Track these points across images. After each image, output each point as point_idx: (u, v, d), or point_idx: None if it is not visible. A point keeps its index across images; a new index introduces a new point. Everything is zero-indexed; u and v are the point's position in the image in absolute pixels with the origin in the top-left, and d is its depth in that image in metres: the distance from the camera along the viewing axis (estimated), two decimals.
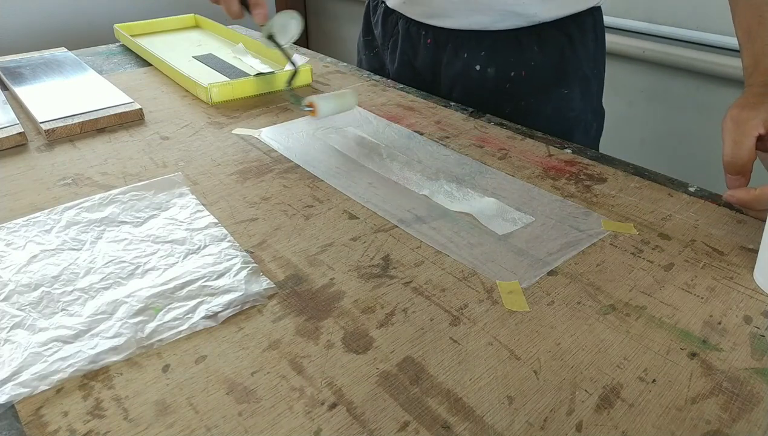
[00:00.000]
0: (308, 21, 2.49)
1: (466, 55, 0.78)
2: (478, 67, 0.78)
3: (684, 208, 0.52)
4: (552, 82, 0.78)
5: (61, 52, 0.96)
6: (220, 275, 0.43)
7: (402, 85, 0.83)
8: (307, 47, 1.13)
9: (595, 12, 0.79)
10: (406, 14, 0.82)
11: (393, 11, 0.85)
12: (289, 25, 0.67)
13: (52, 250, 0.46)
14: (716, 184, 0.63)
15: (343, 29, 2.30)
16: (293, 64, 0.67)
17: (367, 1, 0.93)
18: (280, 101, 0.77)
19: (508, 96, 0.78)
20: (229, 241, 0.47)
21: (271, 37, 0.66)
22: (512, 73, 0.77)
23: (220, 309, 0.40)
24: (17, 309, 0.40)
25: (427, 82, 0.84)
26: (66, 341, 0.37)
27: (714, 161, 1.42)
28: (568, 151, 0.63)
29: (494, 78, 0.78)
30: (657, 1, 1.33)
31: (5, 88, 0.82)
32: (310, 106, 0.62)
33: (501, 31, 0.76)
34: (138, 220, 0.50)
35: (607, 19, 0.99)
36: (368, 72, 0.89)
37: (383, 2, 0.87)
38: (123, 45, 1.05)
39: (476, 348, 0.37)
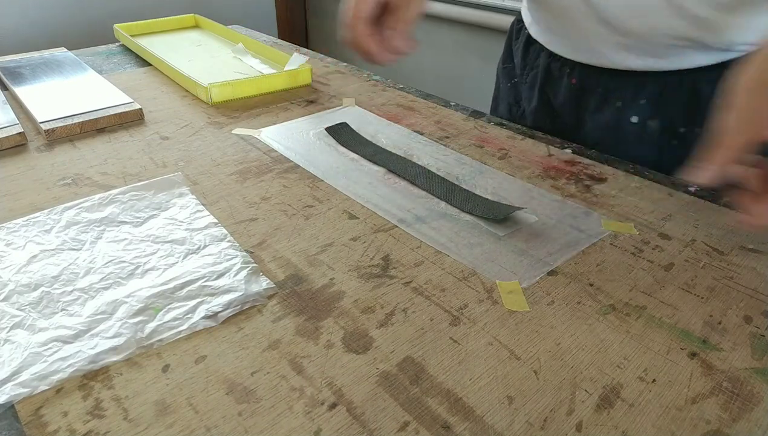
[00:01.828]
0: (308, 21, 2.49)
1: (619, 104, 0.62)
2: (634, 119, 0.62)
3: (684, 208, 0.52)
4: None
5: (61, 52, 0.96)
6: (220, 275, 0.43)
7: (402, 85, 0.83)
8: (307, 47, 1.13)
9: None
10: (548, 46, 0.69)
11: (536, 40, 0.71)
12: None
13: (52, 250, 0.46)
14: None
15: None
16: None
17: (512, 22, 0.79)
18: (280, 101, 0.77)
19: (674, 156, 0.59)
20: (229, 241, 0.47)
21: None
22: (682, 130, 0.60)
23: (220, 309, 0.40)
24: (17, 309, 0.40)
25: (568, 128, 0.69)
26: (66, 341, 0.37)
27: None
28: (568, 151, 0.63)
29: (656, 133, 0.62)
30: None
31: (5, 88, 0.82)
32: None
33: (673, 73, 0.58)
34: (138, 220, 0.50)
35: None
36: (368, 71, 0.89)
37: (526, 28, 0.73)
38: (123, 45, 1.05)
39: (476, 348, 0.37)
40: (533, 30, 0.71)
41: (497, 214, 0.50)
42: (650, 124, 0.62)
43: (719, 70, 0.57)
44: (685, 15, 0.54)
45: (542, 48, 0.70)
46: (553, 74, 0.69)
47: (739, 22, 0.53)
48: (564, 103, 0.69)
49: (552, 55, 0.68)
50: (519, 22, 0.77)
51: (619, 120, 0.63)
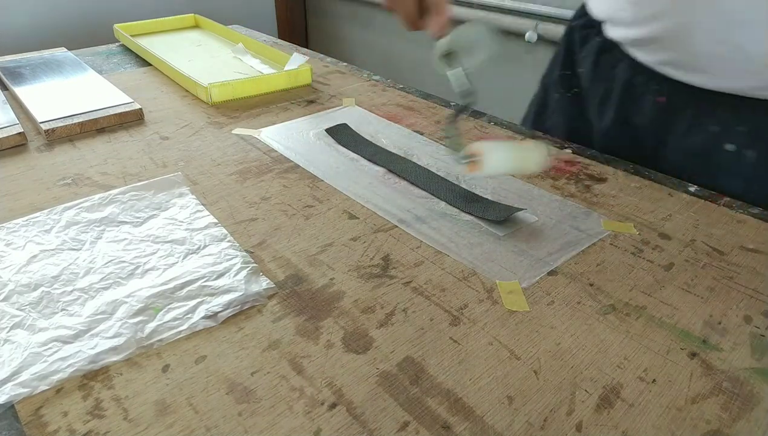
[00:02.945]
0: (308, 21, 2.49)
1: (716, 129, 0.55)
2: (730, 148, 0.55)
3: (684, 208, 0.52)
4: None
5: (61, 52, 0.96)
6: (220, 275, 0.43)
7: (402, 85, 0.83)
8: (307, 47, 1.13)
9: None
10: (635, 56, 0.60)
11: (611, 49, 0.63)
12: (479, 43, 0.48)
13: (52, 250, 0.46)
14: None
15: (343, 29, 2.30)
16: (472, 94, 0.47)
17: (570, 26, 0.71)
18: (280, 101, 0.77)
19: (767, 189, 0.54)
20: (229, 241, 0.47)
21: (449, 56, 0.48)
22: None
23: (220, 309, 0.40)
24: (17, 309, 0.40)
25: (647, 151, 0.61)
26: (66, 341, 0.37)
27: None
28: (568, 151, 0.63)
29: (753, 164, 0.54)
30: None
31: (5, 88, 0.82)
32: (474, 154, 0.45)
33: None
34: (138, 220, 0.50)
35: None
36: (368, 71, 0.89)
37: (600, 33, 0.65)
38: (123, 45, 1.05)
39: (476, 348, 0.37)
40: (616, 33, 0.62)
41: (498, 216, 0.50)
42: (748, 153, 0.55)
43: None
44: None
45: (623, 58, 0.61)
46: (637, 89, 0.61)
47: None
48: (647, 125, 0.60)
49: (637, 67, 0.60)
50: (586, 27, 0.67)
51: (712, 147, 0.56)
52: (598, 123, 0.65)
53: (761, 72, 0.50)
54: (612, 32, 0.62)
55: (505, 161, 0.45)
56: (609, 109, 0.64)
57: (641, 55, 0.59)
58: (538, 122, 0.75)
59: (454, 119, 0.46)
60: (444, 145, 0.44)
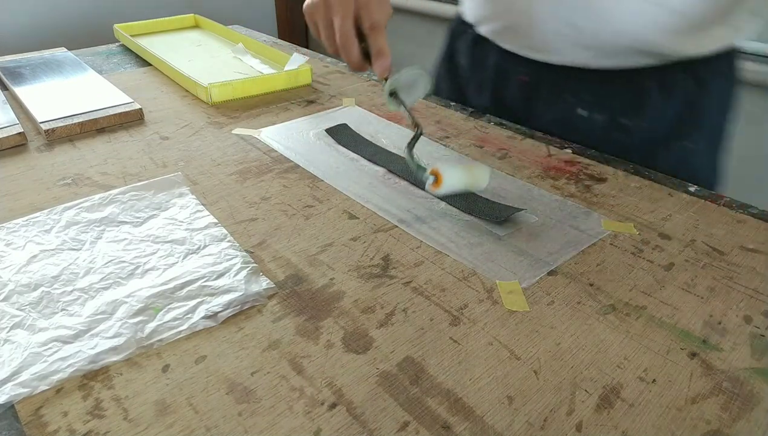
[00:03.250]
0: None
1: (569, 98, 0.67)
2: (582, 112, 0.66)
3: (684, 208, 0.52)
4: (673, 133, 0.65)
5: (61, 52, 0.96)
6: (220, 275, 0.43)
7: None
8: (307, 47, 1.13)
9: (735, 52, 0.65)
10: (501, 45, 0.71)
11: (484, 40, 0.74)
12: (417, 82, 0.56)
13: (52, 250, 0.46)
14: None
15: None
16: (418, 126, 0.53)
17: (452, 24, 0.82)
18: (280, 101, 0.77)
19: (618, 147, 0.64)
20: (229, 241, 0.47)
21: (393, 95, 0.55)
22: (624, 121, 0.65)
23: (220, 309, 0.40)
24: (17, 309, 0.40)
25: (520, 122, 0.72)
26: (66, 341, 0.37)
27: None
28: (568, 151, 0.63)
29: (602, 125, 0.66)
30: None
31: (5, 88, 0.82)
32: (434, 175, 0.50)
33: (614, 71, 0.63)
34: (138, 220, 0.50)
35: None
36: (368, 71, 0.89)
37: (472, 28, 0.76)
38: (123, 45, 1.05)
39: (476, 348, 0.37)
40: (484, 29, 0.73)
41: (498, 216, 0.50)
42: (596, 117, 0.66)
43: (662, 70, 0.63)
44: (653, 29, 0.59)
45: (492, 47, 0.72)
46: (505, 72, 0.72)
47: (694, 39, 0.60)
48: (515, 100, 0.72)
49: (503, 54, 0.71)
50: (462, 24, 0.79)
51: (568, 114, 0.68)
52: (478, 104, 0.77)
53: (595, 46, 0.62)
54: (480, 29, 0.74)
55: (458, 180, 0.51)
56: (486, 91, 0.75)
57: (505, 44, 0.70)
58: None
59: (411, 146, 0.53)
60: (413, 169, 0.52)
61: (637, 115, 0.65)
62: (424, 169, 0.51)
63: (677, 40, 0.60)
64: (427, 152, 0.62)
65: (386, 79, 0.55)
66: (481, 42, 0.74)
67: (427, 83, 0.56)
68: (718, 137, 0.67)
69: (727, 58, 0.65)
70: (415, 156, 0.52)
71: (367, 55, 0.56)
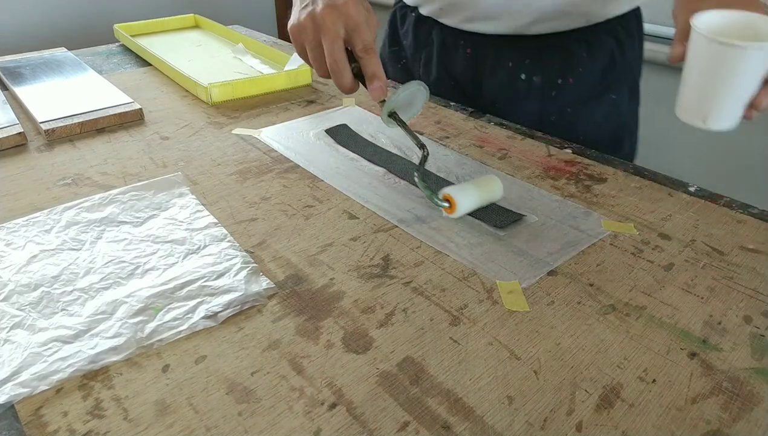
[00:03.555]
0: None
1: (510, 64, 0.73)
2: (523, 76, 0.73)
3: (684, 208, 0.52)
4: (602, 88, 0.74)
5: (61, 52, 0.96)
6: (220, 275, 0.43)
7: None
8: None
9: (638, 12, 0.76)
10: (443, 22, 0.77)
11: (426, 20, 0.79)
12: (415, 98, 0.55)
13: (52, 250, 0.46)
14: (716, 184, 0.63)
15: None
16: (423, 147, 0.52)
17: (393, 9, 0.88)
18: (280, 101, 0.77)
19: (555, 104, 0.74)
20: (229, 241, 0.47)
21: (393, 115, 0.54)
22: (559, 81, 0.73)
23: (220, 309, 0.40)
24: (17, 309, 0.40)
25: (467, 94, 0.79)
26: (66, 341, 0.37)
27: (714, 161, 1.43)
28: (568, 151, 0.63)
29: (540, 87, 0.73)
30: (660, 3, 1.33)
31: (5, 88, 0.82)
32: (447, 200, 0.49)
33: (547, 36, 0.71)
34: (138, 220, 0.50)
35: None
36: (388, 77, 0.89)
37: (414, 11, 0.81)
38: (123, 45, 1.05)
39: (476, 348, 0.37)
40: (426, 10, 0.78)
41: (498, 223, 0.49)
42: (535, 79, 0.73)
43: (585, 31, 0.71)
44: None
45: (435, 25, 0.78)
46: (449, 48, 0.78)
47: (613, 7, 0.70)
48: (462, 72, 0.78)
49: (446, 30, 0.76)
50: (403, 8, 0.84)
51: (511, 78, 0.74)
52: (428, 80, 0.81)
53: (528, 12, 0.69)
54: (423, 10, 0.79)
55: (472, 200, 0.50)
56: (432, 67, 0.80)
57: (447, 20, 0.76)
58: None
59: (421, 169, 0.52)
60: (425, 195, 0.50)
61: (570, 75, 0.73)
62: (436, 195, 0.49)
63: (598, 2, 0.69)
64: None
65: (382, 102, 0.54)
66: (423, 22, 0.80)
67: (424, 97, 0.55)
68: (635, 89, 0.78)
69: (636, 20, 0.75)
70: (426, 182, 0.50)
71: (356, 76, 0.54)
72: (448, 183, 0.56)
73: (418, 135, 0.53)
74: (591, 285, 0.43)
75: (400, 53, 0.86)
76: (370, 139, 0.65)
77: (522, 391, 0.34)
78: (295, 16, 0.55)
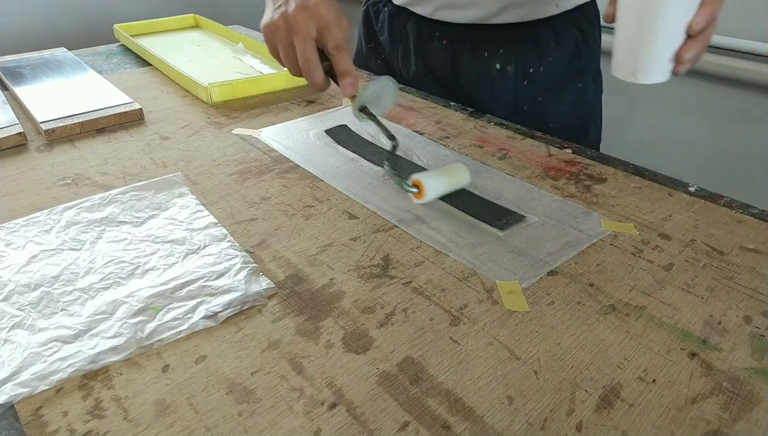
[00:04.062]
0: None
1: (486, 54, 0.76)
2: (498, 66, 0.76)
3: (684, 208, 0.52)
4: (568, 76, 0.77)
5: (61, 52, 0.96)
6: (220, 275, 0.43)
7: (402, 85, 0.83)
8: None
9: (595, 4, 0.80)
10: (417, 12, 0.78)
11: (400, 13, 0.81)
12: (384, 93, 0.57)
13: (52, 250, 0.46)
14: (716, 184, 0.64)
15: None
16: (393, 138, 0.55)
17: (365, 6, 0.89)
18: (280, 101, 0.77)
19: (527, 93, 0.77)
20: (229, 241, 0.47)
21: (364, 109, 0.56)
22: (531, 70, 0.76)
23: (219, 309, 0.40)
24: (17, 309, 0.40)
25: (445, 85, 0.81)
26: (66, 341, 0.37)
27: (713, 161, 1.43)
28: (568, 151, 0.63)
29: (513, 76, 0.76)
30: None
31: (5, 88, 0.82)
32: (416, 186, 0.51)
33: (519, 26, 0.74)
34: (138, 220, 0.50)
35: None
36: (368, 72, 0.89)
37: (387, 4, 0.83)
38: (123, 45, 1.05)
39: (476, 348, 0.37)
40: (399, 1, 0.80)
41: (498, 223, 0.49)
42: (508, 68, 0.75)
43: (553, 21, 0.74)
44: None
45: (410, 17, 0.79)
46: (425, 40, 0.79)
47: None
48: (440, 64, 0.79)
49: (421, 22, 0.78)
50: (375, 3, 0.85)
51: (487, 68, 0.76)
52: (406, 74, 0.83)
53: (496, 1, 0.71)
54: (396, 0, 0.80)
55: (440, 185, 0.52)
56: (410, 60, 0.81)
57: (421, 10, 0.77)
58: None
59: (392, 158, 0.54)
60: (394, 183, 0.53)
61: (540, 64, 0.75)
62: (406, 182, 0.52)
63: None
64: (427, 152, 0.62)
65: (353, 97, 0.56)
66: (398, 14, 0.81)
67: (393, 91, 0.57)
68: (599, 78, 0.81)
69: (595, 11, 0.79)
70: (395, 171, 0.52)
71: (327, 73, 0.57)
72: (419, 169, 0.58)
73: (387, 128, 0.56)
74: (591, 285, 0.43)
75: (377, 49, 0.88)
76: (370, 139, 0.65)
77: (522, 391, 0.34)
78: (268, 15, 0.57)
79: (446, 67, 0.79)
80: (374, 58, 0.89)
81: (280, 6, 0.55)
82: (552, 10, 0.74)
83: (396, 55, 0.85)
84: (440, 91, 0.80)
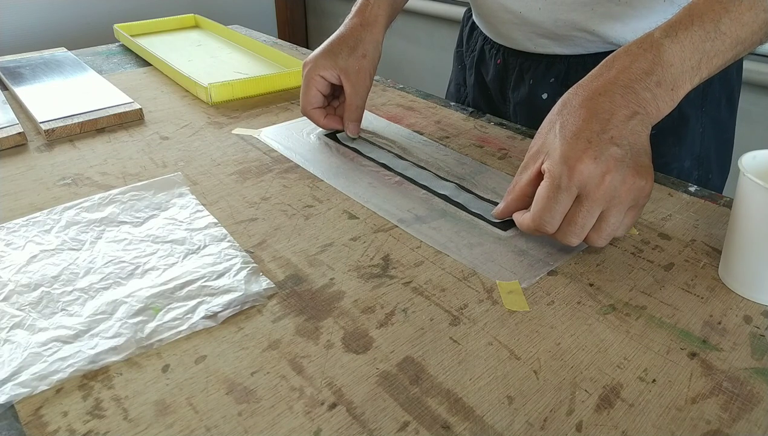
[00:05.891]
0: (308, 21, 2.49)
1: (531, 82, 0.72)
2: (544, 96, 0.71)
3: (684, 208, 0.52)
4: None
5: (61, 52, 0.96)
6: (220, 275, 0.43)
7: (402, 85, 0.83)
8: (307, 47, 1.13)
9: None
10: (483, 30, 0.78)
11: (476, 26, 0.81)
12: None
13: (52, 250, 0.46)
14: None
15: None
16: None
17: (465, 9, 0.89)
18: (280, 101, 0.77)
19: None
20: (228, 241, 0.47)
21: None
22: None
23: (219, 309, 0.40)
24: (17, 309, 0.40)
25: (496, 104, 0.80)
26: (66, 341, 0.37)
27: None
28: None
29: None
30: None
31: (5, 88, 0.82)
32: None
33: (574, 58, 0.68)
34: (138, 220, 0.50)
35: None
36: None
37: (470, 14, 0.84)
38: (123, 45, 1.05)
39: (476, 348, 0.37)
40: (475, 16, 0.81)
41: (501, 224, 0.49)
42: (558, 100, 0.67)
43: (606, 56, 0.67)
44: (583, 12, 0.64)
45: (480, 32, 0.79)
46: (485, 55, 0.79)
47: (619, 26, 0.64)
48: (492, 81, 0.78)
49: (485, 39, 0.78)
50: (469, 11, 0.86)
51: (532, 96, 0.72)
52: (471, 84, 0.83)
53: (544, 34, 0.67)
54: (474, 16, 0.81)
55: None
56: (473, 72, 0.82)
57: (484, 29, 0.77)
58: (447, 91, 0.92)
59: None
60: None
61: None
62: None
63: (615, 26, 0.64)
64: (427, 152, 0.62)
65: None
66: (474, 27, 0.82)
67: None
68: (687, 124, 0.70)
69: None
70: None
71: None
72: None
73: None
74: (591, 285, 0.43)
75: (461, 55, 0.87)
76: (370, 139, 0.65)
77: (522, 391, 0.34)
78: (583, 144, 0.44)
79: (497, 85, 0.78)
80: (458, 62, 0.88)
81: (611, 145, 0.41)
82: (600, 46, 0.67)
83: (467, 64, 0.84)
84: (492, 108, 0.79)
